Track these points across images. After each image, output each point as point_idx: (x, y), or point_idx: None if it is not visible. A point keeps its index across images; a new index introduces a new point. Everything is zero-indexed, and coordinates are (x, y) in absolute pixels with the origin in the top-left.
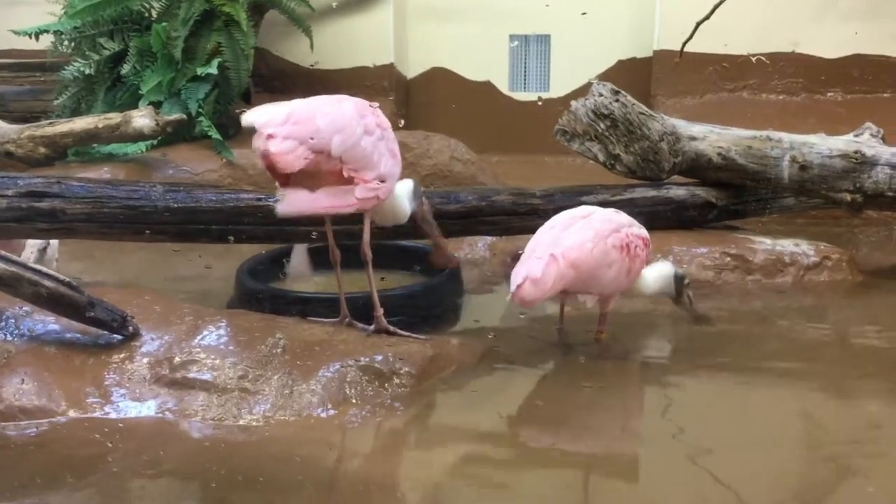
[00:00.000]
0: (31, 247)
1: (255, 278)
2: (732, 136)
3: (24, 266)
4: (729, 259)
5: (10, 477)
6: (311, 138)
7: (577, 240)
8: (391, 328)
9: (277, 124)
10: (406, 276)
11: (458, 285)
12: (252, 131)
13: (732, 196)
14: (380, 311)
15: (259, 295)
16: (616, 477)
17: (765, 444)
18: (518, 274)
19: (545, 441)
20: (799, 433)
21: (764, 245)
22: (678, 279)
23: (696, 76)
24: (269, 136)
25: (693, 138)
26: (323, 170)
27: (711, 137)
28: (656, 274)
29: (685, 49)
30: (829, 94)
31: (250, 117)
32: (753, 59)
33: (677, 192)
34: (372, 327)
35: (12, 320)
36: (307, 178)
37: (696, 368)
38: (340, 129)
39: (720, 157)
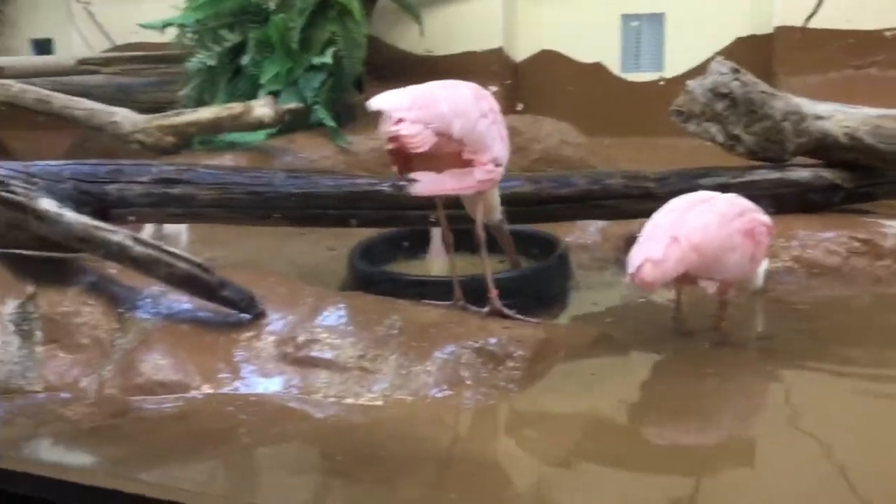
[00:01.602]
0: (149, 226)
1: (367, 261)
2: (861, 115)
3: (160, 249)
4: (857, 244)
5: (150, 447)
6: (436, 121)
7: (701, 222)
8: (505, 310)
9: (405, 108)
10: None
11: (567, 269)
12: (374, 116)
13: (860, 178)
14: (494, 293)
15: (371, 278)
16: (737, 471)
17: (892, 441)
18: (637, 256)
19: (665, 428)
20: None
21: (895, 229)
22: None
23: (820, 53)
24: (399, 120)
25: (818, 117)
26: (443, 152)
27: (838, 116)
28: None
29: (808, 25)
30: None
31: (377, 102)
32: (888, 35)
33: (801, 174)
34: (486, 309)
35: (148, 299)
36: (427, 161)
37: (823, 359)
38: (461, 112)
39: (847, 138)
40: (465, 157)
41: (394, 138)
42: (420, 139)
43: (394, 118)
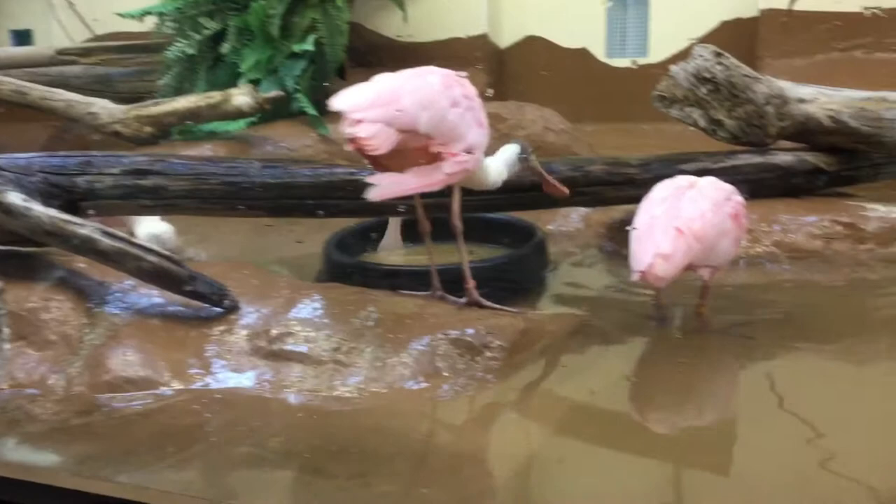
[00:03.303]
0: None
1: (343, 252)
2: (844, 97)
3: (129, 242)
4: (840, 227)
5: (117, 445)
6: (398, 118)
7: (697, 210)
8: (483, 301)
9: (364, 108)
10: (495, 250)
11: (544, 257)
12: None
13: (844, 161)
14: (471, 283)
15: (347, 269)
16: (712, 456)
17: (876, 425)
18: (645, 252)
19: (639, 418)
20: None
21: (878, 212)
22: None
23: (806, 36)
24: (357, 121)
25: (802, 101)
26: (410, 147)
27: (821, 100)
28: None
29: (793, 7)
30: None
31: (337, 103)
32: (867, 13)
33: (784, 158)
34: (464, 300)
35: (118, 294)
36: (396, 156)
37: (804, 344)
38: (427, 105)
39: (831, 121)
40: (433, 149)
41: (353, 140)
42: (378, 141)
43: (352, 119)
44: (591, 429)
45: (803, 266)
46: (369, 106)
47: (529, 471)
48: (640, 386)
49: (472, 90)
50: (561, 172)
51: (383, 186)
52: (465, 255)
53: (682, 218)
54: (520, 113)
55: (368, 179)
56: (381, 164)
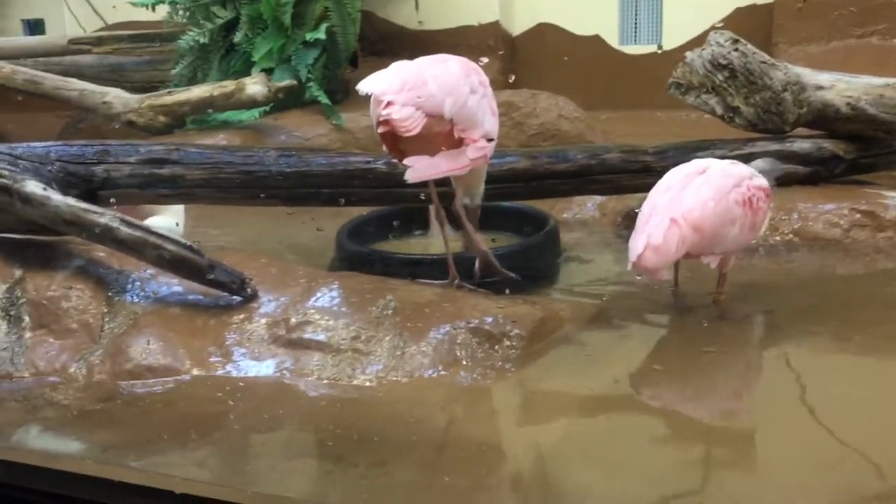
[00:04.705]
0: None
1: (355, 241)
2: (862, 84)
3: (148, 231)
4: (859, 216)
5: (139, 433)
6: (425, 102)
7: (698, 199)
8: (492, 259)
9: (395, 91)
10: (507, 238)
11: (556, 246)
12: (366, 98)
13: (862, 148)
14: (480, 245)
15: (362, 257)
16: (737, 445)
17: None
18: (637, 242)
19: (663, 407)
20: None
21: None
22: None
23: (821, 22)
24: (389, 104)
25: (819, 87)
26: (434, 132)
27: (839, 86)
28: None
29: None
30: None
31: (366, 86)
32: None
33: (802, 146)
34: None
35: (138, 283)
36: (418, 142)
37: (823, 332)
38: (451, 90)
39: (849, 108)
40: (456, 135)
41: (384, 122)
42: (411, 122)
43: (384, 101)
44: (614, 418)
45: (822, 254)
46: (400, 89)
47: (550, 460)
48: (661, 374)
49: (486, 78)
50: (577, 160)
51: (418, 168)
52: (472, 231)
53: (681, 208)
54: (533, 101)
55: (406, 162)
56: (401, 150)
